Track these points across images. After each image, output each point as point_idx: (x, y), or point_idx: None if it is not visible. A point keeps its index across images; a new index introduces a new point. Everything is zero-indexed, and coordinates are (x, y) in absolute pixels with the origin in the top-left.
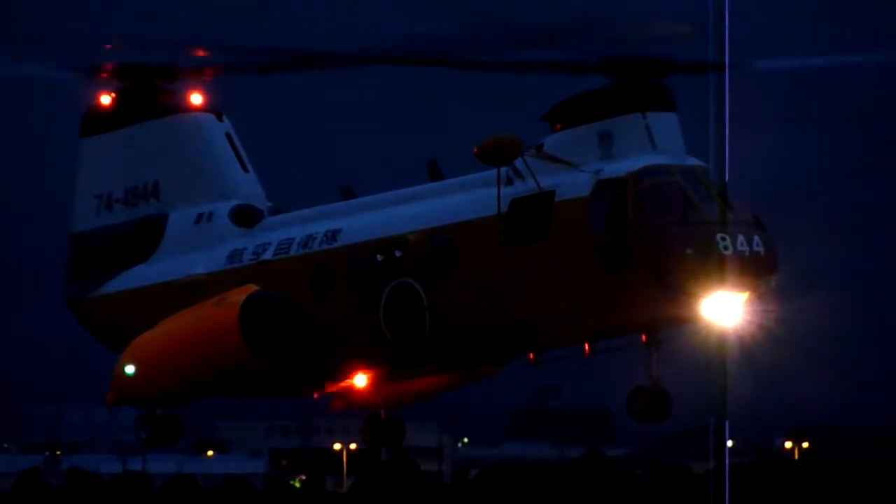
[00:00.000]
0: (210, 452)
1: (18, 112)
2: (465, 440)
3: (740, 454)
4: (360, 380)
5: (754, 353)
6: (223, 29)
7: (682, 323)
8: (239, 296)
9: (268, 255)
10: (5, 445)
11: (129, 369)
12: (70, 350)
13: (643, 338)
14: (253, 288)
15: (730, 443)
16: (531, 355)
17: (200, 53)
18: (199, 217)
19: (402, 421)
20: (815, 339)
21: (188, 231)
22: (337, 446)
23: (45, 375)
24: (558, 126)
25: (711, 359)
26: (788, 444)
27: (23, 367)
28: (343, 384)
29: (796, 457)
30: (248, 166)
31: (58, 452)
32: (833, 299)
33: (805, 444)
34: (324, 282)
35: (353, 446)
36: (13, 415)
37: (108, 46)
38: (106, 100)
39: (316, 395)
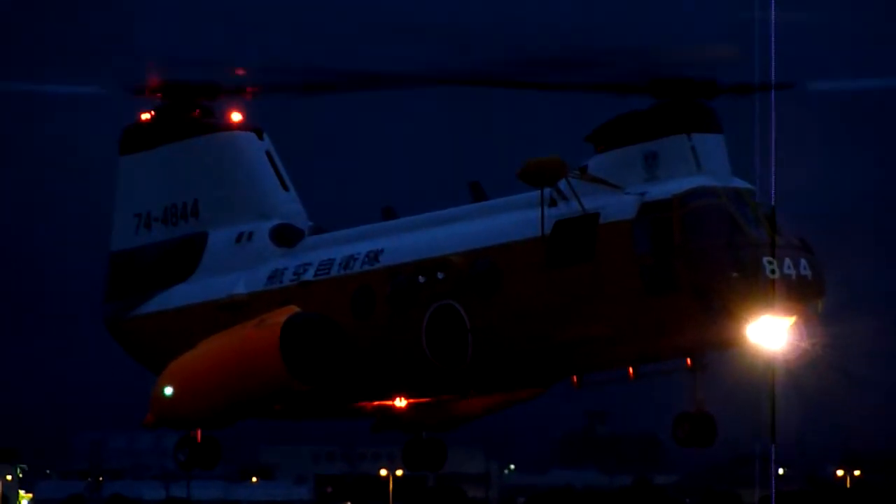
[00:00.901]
0: (254, 479)
1: (59, 129)
2: (512, 467)
3: (791, 482)
4: (401, 402)
5: (802, 378)
6: (264, 48)
7: (728, 347)
8: (279, 317)
9: (308, 276)
10: (47, 472)
11: (168, 391)
12: (113, 375)
13: (688, 362)
14: (294, 309)
15: (781, 470)
16: (574, 378)
17: (241, 72)
18: (240, 236)
19: (443, 443)
20: (864, 364)
21: (228, 251)
22: (383, 472)
23: (88, 401)
24: (602, 147)
25: (758, 384)
26: (840, 472)
27: (66, 393)
28: (384, 406)
29: (848, 485)
30: (289, 185)
31: (100, 479)
32: (881, 323)
33: (857, 472)
34: (365, 303)
35: (398, 472)
36: (56, 441)
37: (150, 64)
38: (146, 117)
39: (356, 418)
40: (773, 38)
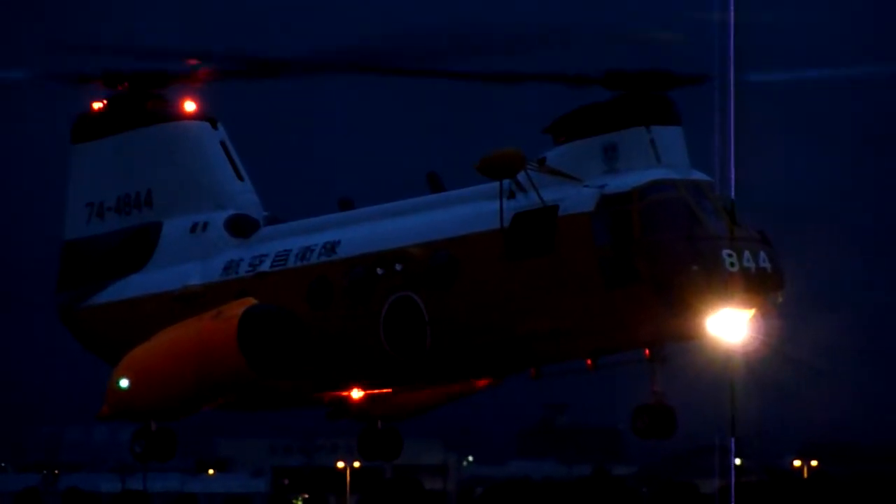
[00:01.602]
0: (211, 471)
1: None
2: (470, 458)
3: (749, 472)
4: (358, 392)
5: (760, 370)
6: (217, 36)
7: (687, 339)
8: (237, 309)
9: (265, 267)
10: (2, 465)
11: (124, 382)
12: (68, 369)
13: (647, 354)
14: (251, 301)
15: (738, 461)
16: (533, 370)
17: (194, 60)
18: (194, 226)
19: (398, 432)
20: (822, 356)
21: (183, 240)
22: (340, 464)
23: (44, 395)
24: (561, 139)
25: (717, 376)
26: (797, 463)
27: (20, 386)
28: (341, 397)
29: (805, 475)
30: (244, 175)
31: (56, 472)
32: (840, 315)
33: (814, 463)
34: (322, 294)
35: (356, 464)
36: (11, 435)
37: (101, 53)
38: (98, 106)
39: (313, 408)
40: (731, 27)
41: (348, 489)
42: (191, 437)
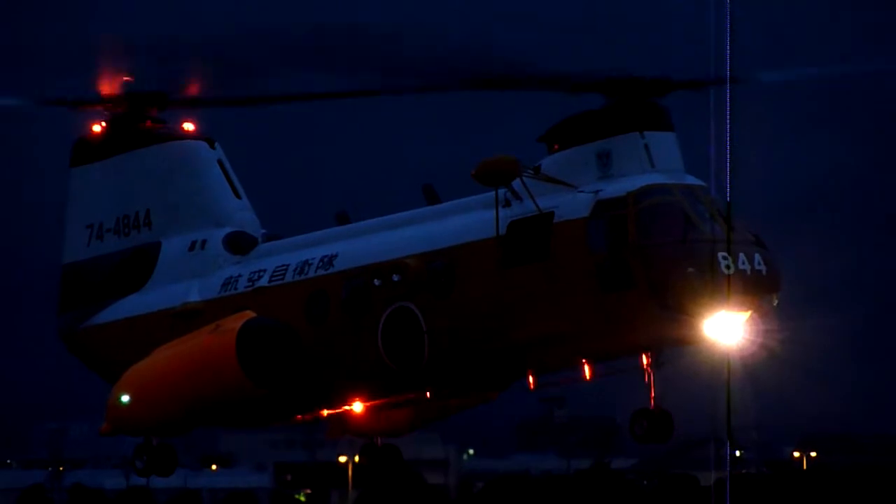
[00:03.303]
0: (214, 467)
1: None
2: (471, 452)
3: (749, 464)
4: (358, 406)
5: (757, 372)
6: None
7: (684, 343)
8: (235, 323)
9: (263, 282)
10: (8, 461)
11: (124, 399)
12: (73, 366)
13: (645, 358)
14: (249, 315)
15: (738, 452)
16: (531, 378)
17: (192, 81)
18: (193, 245)
19: (397, 449)
20: (820, 354)
21: (182, 259)
22: (342, 459)
23: (49, 391)
24: (556, 146)
25: (714, 378)
26: (797, 454)
27: (24, 383)
28: (341, 410)
29: (804, 466)
30: (241, 193)
31: (61, 468)
32: (837, 315)
33: (813, 454)
34: (320, 308)
35: (358, 459)
36: (16, 431)
37: (100, 75)
38: (97, 129)
39: (313, 422)
40: (728, 32)
41: (350, 484)
42: (194, 433)
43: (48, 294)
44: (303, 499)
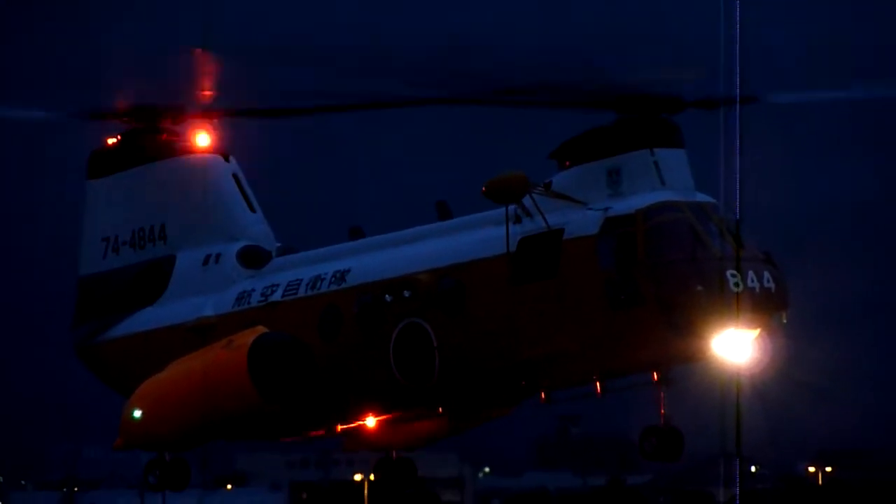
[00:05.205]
0: (229, 486)
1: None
2: (487, 470)
3: (764, 480)
4: (371, 421)
5: (767, 389)
6: (231, 71)
7: (694, 361)
8: (247, 338)
9: (276, 297)
10: (22, 482)
11: (137, 413)
12: (89, 386)
13: (654, 376)
14: (261, 330)
15: (753, 468)
16: (542, 395)
17: (207, 94)
18: (207, 259)
19: (412, 463)
20: (834, 371)
21: (196, 273)
22: (358, 478)
23: (63, 413)
24: (567, 163)
25: (724, 396)
26: (812, 470)
27: (41, 404)
28: (353, 425)
29: (820, 482)
30: (256, 207)
31: (75, 489)
32: (847, 332)
33: (829, 469)
34: (332, 323)
35: (373, 478)
36: (31, 452)
37: (115, 88)
38: (112, 142)
39: (327, 438)
40: (737, 52)
41: (366, 502)
42: (209, 452)
43: (62, 315)
44: None
